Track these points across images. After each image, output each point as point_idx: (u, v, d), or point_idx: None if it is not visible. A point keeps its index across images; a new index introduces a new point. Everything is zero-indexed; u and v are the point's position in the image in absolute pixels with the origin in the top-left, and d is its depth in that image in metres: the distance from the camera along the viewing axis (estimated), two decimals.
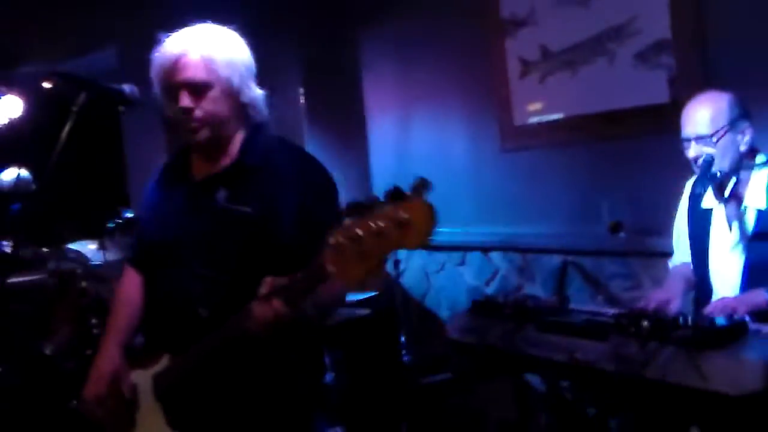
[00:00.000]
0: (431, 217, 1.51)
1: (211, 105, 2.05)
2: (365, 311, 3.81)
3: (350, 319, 3.73)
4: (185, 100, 2.05)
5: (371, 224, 1.55)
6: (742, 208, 2.63)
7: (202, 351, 2.00)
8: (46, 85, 3.99)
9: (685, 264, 2.86)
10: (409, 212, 1.51)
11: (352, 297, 4.19)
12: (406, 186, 1.55)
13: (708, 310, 2.43)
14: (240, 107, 2.11)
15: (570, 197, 3.79)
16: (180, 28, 2.14)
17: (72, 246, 4.34)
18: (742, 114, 2.60)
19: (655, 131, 3.26)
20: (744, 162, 2.62)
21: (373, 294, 4.42)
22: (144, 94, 2.31)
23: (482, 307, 2.71)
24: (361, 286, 1.64)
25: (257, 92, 2.13)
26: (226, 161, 2.14)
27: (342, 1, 5.06)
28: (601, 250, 3.63)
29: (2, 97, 5.74)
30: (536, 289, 3.94)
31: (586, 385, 2.32)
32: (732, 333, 2.04)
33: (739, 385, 1.86)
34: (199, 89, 2.04)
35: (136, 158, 5.66)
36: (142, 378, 2.16)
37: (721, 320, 2.14)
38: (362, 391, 3.57)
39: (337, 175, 5.07)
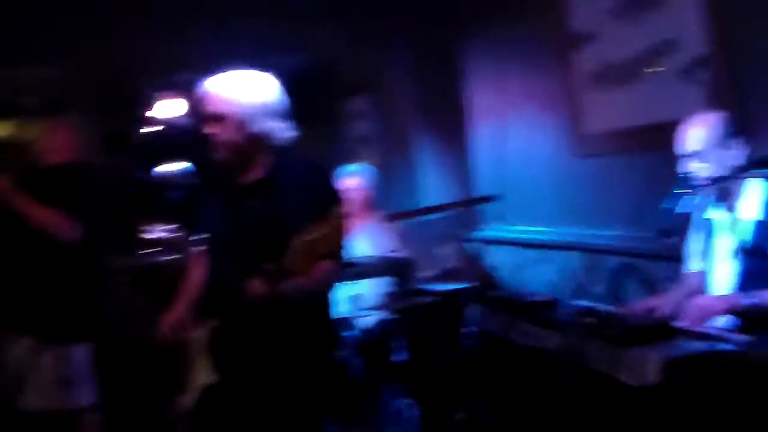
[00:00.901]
0: (342, 228, 2.00)
1: (227, 133, 2.62)
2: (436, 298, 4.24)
3: (420, 305, 4.18)
4: (209, 128, 2.64)
5: (313, 235, 2.08)
6: (737, 218, 2.83)
7: (232, 315, 2.58)
8: None
9: (694, 273, 3.08)
10: (330, 226, 2.02)
11: (448, 286, 4.68)
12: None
13: (688, 311, 2.68)
14: (253, 136, 2.64)
15: (629, 202, 4.01)
16: None
17: None
18: (731, 132, 2.80)
19: None
20: (736, 176, 2.82)
21: (468, 285, 4.88)
22: None
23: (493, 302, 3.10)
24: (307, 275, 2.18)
25: (271, 125, 2.67)
26: (255, 175, 2.74)
27: (449, 14, 5.47)
28: (655, 253, 3.84)
29: (167, 99, 6.60)
30: (600, 289, 4.20)
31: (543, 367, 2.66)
32: (656, 332, 2.32)
33: (641, 377, 2.16)
34: (217, 120, 2.61)
35: None
36: (199, 333, 2.78)
37: (646, 321, 2.41)
38: (430, 367, 4.01)
39: (440, 173, 5.61)
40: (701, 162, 2.78)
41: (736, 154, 2.79)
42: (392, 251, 4.28)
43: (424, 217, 5.04)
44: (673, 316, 2.74)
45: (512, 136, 5.05)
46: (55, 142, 3.73)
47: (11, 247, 3.58)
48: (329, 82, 7.79)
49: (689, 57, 3.55)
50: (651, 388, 2.14)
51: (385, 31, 5.75)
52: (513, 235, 5.07)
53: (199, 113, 2.76)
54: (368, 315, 4.33)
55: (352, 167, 4.78)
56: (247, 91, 2.70)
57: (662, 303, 2.90)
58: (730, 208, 2.87)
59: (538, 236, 4.72)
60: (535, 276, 4.86)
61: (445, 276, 5.35)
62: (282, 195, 2.64)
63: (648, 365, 2.16)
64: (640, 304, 2.91)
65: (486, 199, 4.98)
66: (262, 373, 2.63)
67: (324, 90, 7.97)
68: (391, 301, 4.04)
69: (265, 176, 2.73)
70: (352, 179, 4.70)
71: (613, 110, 4.10)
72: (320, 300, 2.71)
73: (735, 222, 2.83)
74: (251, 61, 5.47)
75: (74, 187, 3.62)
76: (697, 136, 2.82)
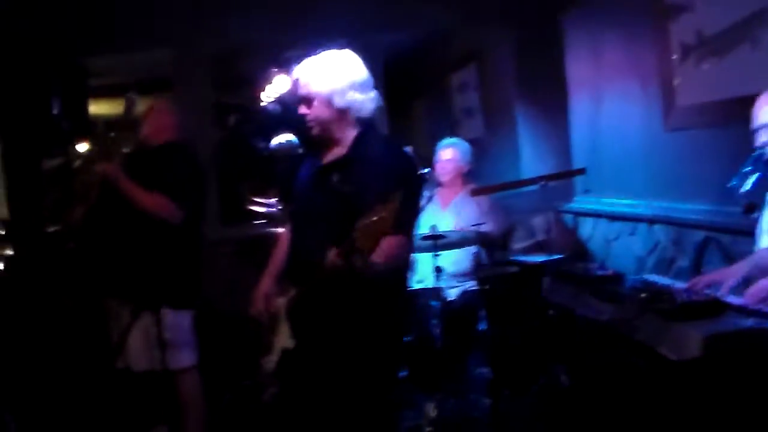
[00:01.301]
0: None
1: (316, 111, 2.82)
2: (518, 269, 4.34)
3: (501, 276, 4.29)
4: (301, 109, 2.86)
5: (374, 217, 2.25)
6: None
7: (311, 284, 2.79)
8: None
9: (765, 249, 3.05)
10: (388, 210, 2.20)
11: (537, 258, 4.76)
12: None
13: (750, 290, 2.69)
14: (340, 111, 2.83)
15: (716, 176, 3.94)
16: None
17: None
18: None
19: None
20: None
21: (560, 256, 4.95)
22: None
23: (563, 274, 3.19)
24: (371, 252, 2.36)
25: (355, 98, 2.84)
26: (340, 153, 2.93)
27: None
28: (738, 228, 3.79)
29: (279, 76, 6.88)
30: (685, 262, 4.19)
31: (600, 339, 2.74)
32: (705, 308, 2.36)
33: (682, 351, 2.23)
34: (307, 101, 2.83)
35: None
36: (282, 301, 3.01)
37: (697, 297, 2.45)
38: (507, 337, 4.13)
39: (541, 145, 5.68)
40: None
41: None
42: (480, 224, 4.38)
43: (519, 189, 5.10)
44: (735, 291, 2.76)
45: (606, 108, 5.05)
46: (156, 122, 4.02)
47: (121, 223, 3.90)
48: (438, 55, 7.91)
49: None
50: (691, 362, 2.19)
51: (490, 5, 5.81)
52: (603, 208, 5.09)
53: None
54: (454, 286, 4.48)
55: (448, 140, 4.92)
56: (330, 70, 2.89)
57: (727, 276, 2.90)
58: None
59: (627, 209, 4.73)
60: (623, 249, 4.87)
61: (539, 247, 5.43)
62: (360, 174, 2.81)
63: (690, 340, 2.21)
64: (705, 277, 2.91)
65: (575, 173, 5.00)
66: (334, 340, 2.82)
67: (433, 63, 8.11)
68: (475, 271, 4.16)
69: (348, 154, 2.91)
70: (447, 152, 4.84)
71: (704, 82, 4.04)
72: (392, 272, 2.85)
73: None
74: (361, 37, 5.71)
75: (175, 166, 3.88)
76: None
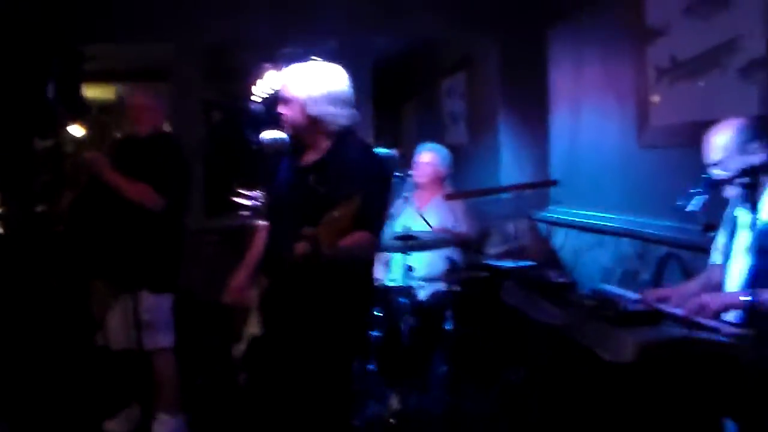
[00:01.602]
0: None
1: (291, 114, 3.00)
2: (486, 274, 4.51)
3: (468, 279, 4.46)
4: (280, 107, 3.05)
5: (336, 213, 2.42)
6: (756, 218, 2.97)
7: (279, 277, 2.95)
8: None
9: (716, 266, 3.23)
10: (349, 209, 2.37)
11: (519, 263, 4.93)
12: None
13: (691, 304, 2.87)
14: (312, 119, 3.00)
15: (680, 194, 4.13)
16: None
17: None
18: (751, 137, 2.93)
19: None
20: (761, 178, 2.96)
21: (532, 263, 5.12)
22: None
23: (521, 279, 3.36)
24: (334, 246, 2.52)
25: (330, 111, 3.00)
26: (317, 156, 3.08)
27: (536, 3, 5.66)
28: (698, 245, 3.97)
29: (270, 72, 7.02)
30: (647, 275, 4.36)
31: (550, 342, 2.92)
32: (645, 317, 2.53)
33: (618, 355, 2.40)
34: (285, 102, 3.00)
35: None
36: (254, 292, 3.17)
37: (640, 307, 2.62)
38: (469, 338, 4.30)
39: (521, 153, 5.84)
40: (722, 170, 2.93)
41: (757, 158, 2.92)
42: (452, 226, 4.55)
43: (496, 196, 5.28)
44: (681, 306, 2.94)
45: (585, 123, 5.21)
46: (142, 113, 4.18)
47: (107, 209, 4.05)
48: (430, 60, 8.08)
49: (748, 58, 3.64)
50: (625, 366, 2.36)
51: (480, 15, 5.98)
52: (575, 219, 5.25)
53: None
54: (424, 285, 4.65)
55: (428, 145, 5.09)
56: (313, 79, 3.06)
57: (677, 293, 3.07)
58: (752, 208, 3.00)
59: (597, 221, 4.90)
60: (592, 260, 5.04)
61: (513, 253, 5.59)
62: (334, 176, 2.98)
63: (626, 345, 2.38)
64: (655, 292, 3.08)
65: (548, 183, 5.18)
66: (299, 329, 2.98)
67: (425, 67, 8.28)
68: (445, 273, 4.32)
69: (322, 158, 3.07)
70: (426, 156, 5.01)
71: (675, 104, 4.21)
72: (355, 265, 3.01)
73: (754, 221, 2.97)
74: (352, 37, 5.86)
75: (159, 157, 4.05)
76: (719, 145, 2.97)
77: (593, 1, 5.02)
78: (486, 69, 6.39)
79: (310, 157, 3.12)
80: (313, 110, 3.02)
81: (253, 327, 3.13)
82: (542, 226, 5.82)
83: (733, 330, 2.55)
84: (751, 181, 2.81)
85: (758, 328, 2.55)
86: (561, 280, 3.28)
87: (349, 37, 6.07)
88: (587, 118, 5.19)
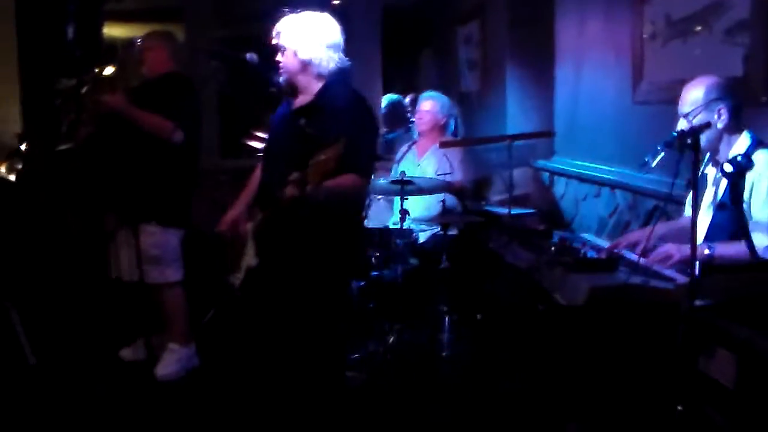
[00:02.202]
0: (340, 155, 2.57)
1: (285, 60, 3.21)
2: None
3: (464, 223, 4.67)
4: (277, 56, 3.23)
5: (323, 156, 2.64)
6: (719, 176, 3.15)
7: (273, 211, 3.19)
8: None
9: (685, 218, 3.42)
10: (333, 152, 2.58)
11: (520, 210, 5.14)
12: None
13: (653, 252, 3.07)
14: (303, 63, 3.21)
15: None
16: None
17: None
18: (718, 97, 3.09)
19: None
20: (724, 137, 3.12)
21: (533, 211, 5.33)
22: None
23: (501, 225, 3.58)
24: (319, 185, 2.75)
25: (317, 55, 3.21)
26: (307, 99, 3.29)
27: None
28: (681, 200, 4.13)
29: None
30: (637, 226, 4.55)
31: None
32: (602, 264, 2.74)
33: (571, 298, 2.61)
34: (280, 50, 3.21)
35: None
36: (250, 225, 3.42)
37: (595, 255, 2.83)
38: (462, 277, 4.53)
39: (528, 103, 6.00)
40: (688, 122, 3.09)
41: (720, 118, 3.08)
42: (448, 173, 4.74)
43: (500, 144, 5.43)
44: (646, 252, 3.13)
45: (585, 76, 5.35)
46: (153, 57, 4.40)
47: (121, 146, 4.31)
48: (448, 6, 8.17)
49: (734, 20, 3.76)
50: (577, 308, 2.58)
51: None
52: (575, 170, 5.42)
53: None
54: (424, 229, 4.87)
55: (428, 93, 5.26)
56: (303, 27, 3.26)
57: (646, 236, 3.26)
58: (717, 165, 3.18)
59: (595, 173, 5.08)
60: (589, 209, 5.23)
61: (516, 201, 5.79)
62: (322, 119, 3.18)
63: (578, 290, 2.59)
64: (627, 237, 3.28)
65: (543, 134, 5.34)
66: (291, 260, 3.23)
67: (443, 14, 8.36)
68: (441, 217, 4.52)
69: (312, 101, 3.28)
70: (426, 104, 5.18)
71: (667, 62, 4.34)
72: (344, 204, 3.23)
73: (718, 178, 3.15)
74: None
75: (173, 93, 4.28)
76: (689, 99, 3.13)
77: None
78: (497, 18, 6.50)
79: (302, 101, 3.35)
80: (304, 55, 3.23)
81: (250, 258, 3.37)
82: (545, 175, 5.99)
83: (680, 278, 2.74)
84: (690, 141, 2.73)
85: (702, 278, 2.73)
86: (537, 226, 3.45)
87: None
88: (588, 72, 5.33)
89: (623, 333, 2.57)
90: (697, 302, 2.46)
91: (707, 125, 2.81)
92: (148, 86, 4.40)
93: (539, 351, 2.95)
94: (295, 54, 3.25)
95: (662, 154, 2.92)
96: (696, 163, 2.46)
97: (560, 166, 5.68)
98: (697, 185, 2.50)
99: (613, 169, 4.90)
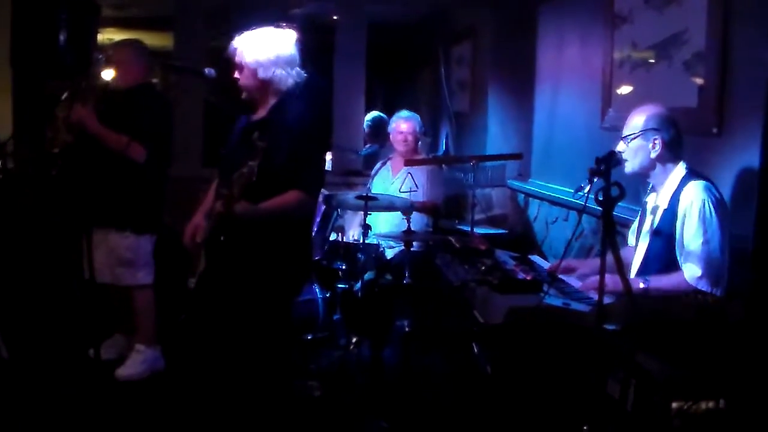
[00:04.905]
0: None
1: (244, 78, 3.32)
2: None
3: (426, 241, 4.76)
4: (236, 74, 3.34)
5: (244, 169, 2.75)
6: (655, 205, 3.23)
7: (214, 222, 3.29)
8: None
9: (627, 248, 3.49)
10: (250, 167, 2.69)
11: (492, 231, 5.22)
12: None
13: (588, 282, 3.15)
14: (262, 81, 3.31)
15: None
16: None
17: None
18: (655, 127, 3.17)
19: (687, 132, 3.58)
20: (657, 167, 3.20)
21: (505, 231, 5.40)
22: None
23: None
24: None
25: (276, 74, 3.31)
26: (262, 114, 3.40)
27: None
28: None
29: None
30: (597, 249, 4.60)
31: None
32: (525, 286, 2.82)
33: (489, 317, 2.69)
34: (239, 68, 3.32)
35: None
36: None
37: (522, 276, 2.91)
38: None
39: (508, 124, 6.06)
40: (626, 144, 3.17)
41: (654, 148, 3.16)
42: (414, 191, 4.84)
43: (482, 163, 5.51)
44: (584, 278, 3.22)
45: (561, 100, 5.43)
46: (123, 67, 4.50)
47: (94, 157, 4.39)
48: (444, 26, 8.28)
49: (692, 51, 3.83)
50: (495, 327, 2.66)
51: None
52: (548, 192, 5.49)
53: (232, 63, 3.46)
54: (391, 246, 4.96)
55: (404, 113, 5.37)
56: (260, 45, 3.36)
57: (584, 265, 3.35)
58: (656, 194, 3.26)
59: (566, 196, 5.14)
60: (558, 232, 5.30)
61: (493, 221, 5.87)
62: (273, 133, 3.27)
63: (498, 309, 2.68)
64: (563, 263, 3.36)
65: (513, 156, 5.42)
66: (231, 271, 3.32)
67: (440, 34, 8.47)
68: (403, 234, 4.58)
69: (266, 116, 3.39)
70: (404, 124, 5.28)
71: (632, 90, 4.42)
72: (287, 219, 3.29)
73: (655, 207, 3.23)
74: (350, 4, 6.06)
75: (139, 110, 4.36)
76: (631, 124, 3.22)
77: None
78: (485, 40, 6.61)
79: (258, 115, 3.45)
80: (265, 74, 3.33)
81: (202, 264, 3.48)
82: (521, 196, 6.06)
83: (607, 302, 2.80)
84: (602, 168, 2.78)
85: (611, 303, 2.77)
86: (480, 245, 3.53)
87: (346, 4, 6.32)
88: (563, 95, 5.42)
89: (539, 353, 2.65)
90: (608, 326, 2.54)
91: (612, 154, 2.83)
92: (118, 98, 4.48)
93: (469, 368, 3.03)
94: (255, 73, 3.34)
95: (595, 180, 2.99)
96: (607, 191, 2.52)
97: (534, 189, 5.76)
98: (610, 213, 2.55)
99: (580, 194, 4.95)
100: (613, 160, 2.77)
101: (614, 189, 2.52)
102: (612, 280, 2.99)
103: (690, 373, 2.10)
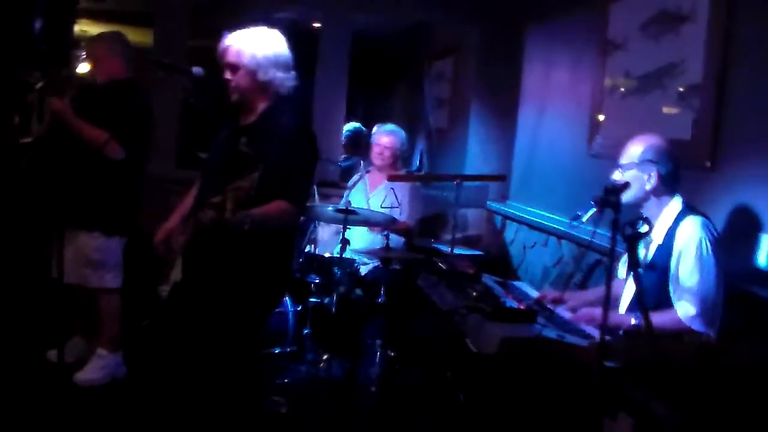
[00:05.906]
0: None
1: (239, 79, 3.16)
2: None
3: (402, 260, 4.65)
4: (226, 75, 3.18)
5: (240, 182, 2.61)
6: (649, 239, 3.15)
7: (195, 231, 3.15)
8: None
9: (618, 280, 3.42)
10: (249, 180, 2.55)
11: (468, 251, 5.12)
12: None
13: (577, 314, 3.07)
14: (260, 83, 3.17)
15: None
16: None
17: None
18: (653, 159, 3.10)
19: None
20: (651, 199, 3.14)
21: (481, 253, 5.31)
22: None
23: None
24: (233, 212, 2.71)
25: (276, 75, 3.18)
26: (251, 119, 3.26)
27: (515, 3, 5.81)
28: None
29: None
30: (578, 278, 4.55)
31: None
32: (518, 316, 2.72)
33: (483, 346, 2.59)
34: (233, 69, 3.16)
35: None
36: (182, 239, 3.36)
37: (513, 304, 2.81)
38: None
39: (488, 144, 5.99)
40: (622, 173, 3.10)
41: (649, 180, 3.09)
42: (395, 207, 4.73)
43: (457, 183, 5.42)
44: (574, 310, 3.14)
45: (546, 123, 5.38)
46: (101, 62, 4.34)
47: (67, 152, 4.23)
48: (425, 41, 8.23)
49: (687, 82, 3.79)
50: (488, 357, 2.56)
51: (469, 5, 6.12)
52: (527, 216, 5.43)
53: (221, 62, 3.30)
54: (366, 262, 4.85)
55: (387, 127, 5.25)
56: (258, 45, 3.21)
57: (574, 298, 3.28)
58: (649, 227, 3.18)
59: (545, 221, 5.09)
60: (535, 257, 5.23)
61: (468, 241, 5.79)
62: (262, 140, 3.14)
63: (491, 339, 2.57)
64: (553, 294, 3.28)
65: (493, 178, 5.35)
66: (211, 282, 3.18)
67: (420, 48, 8.42)
68: (380, 251, 4.48)
69: (256, 121, 3.25)
70: (386, 138, 5.17)
71: (623, 118, 4.38)
72: (270, 230, 3.16)
73: (649, 240, 3.16)
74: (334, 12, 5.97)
75: (118, 106, 4.20)
76: (629, 153, 3.15)
77: (565, 8, 5.16)
78: (468, 58, 6.55)
79: (247, 120, 3.29)
80: (264, 76, 3.18)
81: (177, 272, 3.32)
82: (498, 218, 5.99)
83: (594, 335, 2.73)
84: (609, 199, 2.66)
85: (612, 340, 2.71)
86: (467, 270, 3.44)
87: (330, 9, 6.21)
88: (548, 119, 5.36)
89: (533, 386, 2.55)
90: (608, 363, 2.45)
91: (626, 185, 2.79)
92: (97, 92, 4.33)
93: (455, 395, 2.92)
94: (254, 75, 3.19)
95: (593, 209, 2.90)
96: (616, 222, 2.44)
97: (513, 211, 5.70)
98: (635, 250, 2.46)
99: (563, 220, 4.91)
100: (625, 191, 2.68)
101: (640, 223, 2.41)
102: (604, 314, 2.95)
103: (699, 418, 2.01)
